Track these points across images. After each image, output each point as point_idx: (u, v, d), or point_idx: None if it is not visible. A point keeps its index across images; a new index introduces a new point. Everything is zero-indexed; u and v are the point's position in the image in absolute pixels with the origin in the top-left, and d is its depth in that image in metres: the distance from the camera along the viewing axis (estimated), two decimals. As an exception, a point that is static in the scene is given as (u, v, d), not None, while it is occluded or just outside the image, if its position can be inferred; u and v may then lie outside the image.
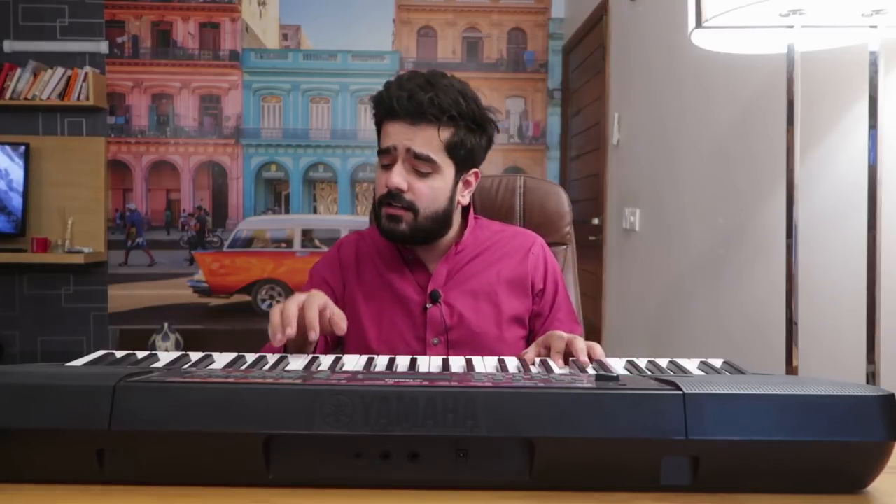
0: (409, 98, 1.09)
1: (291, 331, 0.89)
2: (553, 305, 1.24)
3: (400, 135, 1.11)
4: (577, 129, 3.76)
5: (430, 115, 1.09)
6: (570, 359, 0.90)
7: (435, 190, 1.13)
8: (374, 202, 1.18)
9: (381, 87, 1.15)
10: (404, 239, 1.15)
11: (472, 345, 1.17)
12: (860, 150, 1.37)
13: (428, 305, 1.18)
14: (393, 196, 1.12)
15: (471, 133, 1.14)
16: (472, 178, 1.21)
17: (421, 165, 1.11)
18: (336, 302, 1.22)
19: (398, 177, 1.11)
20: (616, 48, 3.07)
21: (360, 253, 1.26)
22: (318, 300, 0.95)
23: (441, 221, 1.16)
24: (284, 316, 0.91)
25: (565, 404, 0.56)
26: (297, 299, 0.94)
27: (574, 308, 1.30)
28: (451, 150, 1.12)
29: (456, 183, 1.17)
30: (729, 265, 2.02)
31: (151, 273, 4.01)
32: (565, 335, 0.96)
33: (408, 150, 1.10)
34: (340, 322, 0.97)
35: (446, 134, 1.11)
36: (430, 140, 1.10)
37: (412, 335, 1.18)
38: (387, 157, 1.13)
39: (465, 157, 1.15)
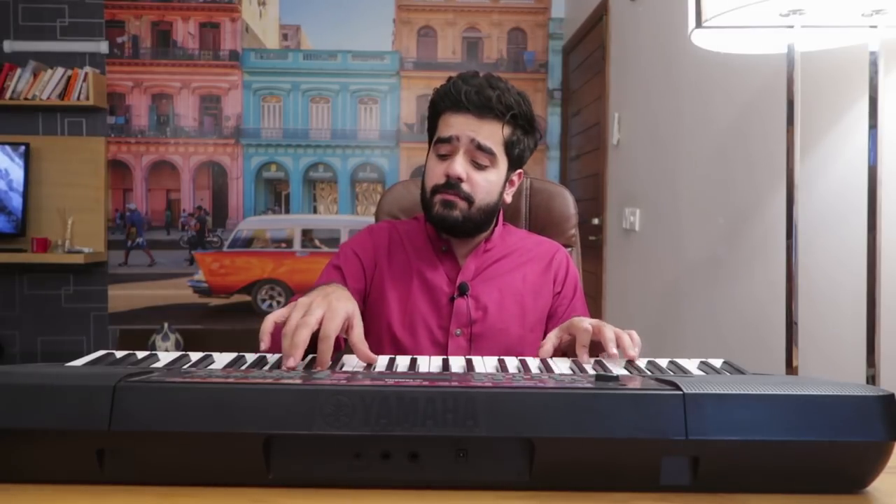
0: (476, 92, 1.14)
1: (264, 346, 0.80)
2: (569, 307, 1.26)
3: (464, 126, 1.14)
4: (577, 129, 3.76)
5: (496, 110, 1.14)
6: (601, 355, 0.91)
7: (490, 183, 1.17)
8: (423, 191, 1.21)
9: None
10: (456, 225, 1.17)
11: (495, 339, 1.18)
12: (860, 150, 1.37)
13: (455, 296, 1.20)
14: (450, 185, 1.15)
15: (525, 134, 1.20)
16: (515, 179, 1.26)
17: (482, 157, 1.15)
18: (364, 280, 1.24)
19: (460, 166, 1.14)
20: (616, 48, 3.07)
21: (392, 239, 1.28)
22: (335, 320, 0.81)
23: (489, 215, 1.21)
24: (262, 328, 0.81)
25: (565, 404, 0.56)
26: (302, 314, 0.81)
27: (589, 314, 1.29)
28: (509, 146, 1.18)
29: (506, 180, 1.22)
30: (729, 265, 2.02)
31: (151, 273, 4.01)
32: (589, 325, 0.95)
33: (472, 140, 1.14)
34: (365, 351, 0.84)
35: (507, 130, 1.17)
36: (493, 134, 1.16)
37: (436, 324, 1.19)
38: (447, 146, 1.16)
39: (517, 156, 1.21)
